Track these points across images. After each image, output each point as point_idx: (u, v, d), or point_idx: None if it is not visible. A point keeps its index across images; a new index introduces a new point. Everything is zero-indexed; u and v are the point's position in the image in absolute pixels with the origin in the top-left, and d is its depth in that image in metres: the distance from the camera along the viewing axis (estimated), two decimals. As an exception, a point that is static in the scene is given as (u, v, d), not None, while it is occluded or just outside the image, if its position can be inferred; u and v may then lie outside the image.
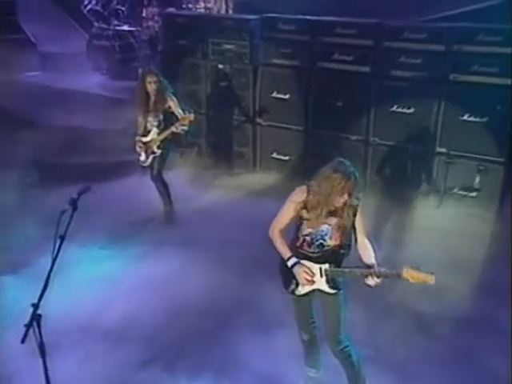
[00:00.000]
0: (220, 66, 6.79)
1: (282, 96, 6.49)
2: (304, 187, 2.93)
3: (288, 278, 3.16)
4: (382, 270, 2.82)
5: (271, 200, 5.63)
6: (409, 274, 2.75)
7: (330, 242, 2.99)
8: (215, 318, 3.91)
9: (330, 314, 3.13)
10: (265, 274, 4.13)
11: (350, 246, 3.03)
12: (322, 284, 3.05)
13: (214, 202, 5.88)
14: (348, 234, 2.97)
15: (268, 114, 6.66)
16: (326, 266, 3.04)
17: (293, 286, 3.14)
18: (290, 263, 3.06)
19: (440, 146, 5.73)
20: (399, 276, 2.77)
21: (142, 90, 5.49)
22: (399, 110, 5.84)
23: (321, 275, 3.00)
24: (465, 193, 5.63)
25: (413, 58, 5.69)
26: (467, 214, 5.33)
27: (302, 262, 3.05)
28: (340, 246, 2.98)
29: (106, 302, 3.96)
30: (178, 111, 5.52)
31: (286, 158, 6.65)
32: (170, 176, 5.76)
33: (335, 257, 3.01)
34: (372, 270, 2.84)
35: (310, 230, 3.00)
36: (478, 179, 5.46)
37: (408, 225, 5.42)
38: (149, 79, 5.44)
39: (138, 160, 5.67)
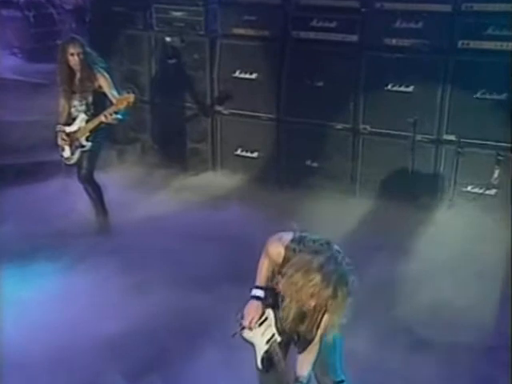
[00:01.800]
0: (167, 39, 6.55)
1: (247, 76, 6.32)
2: (280, 243, 2.80)
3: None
4: None
5: (235, 207, 5.78)
6: None
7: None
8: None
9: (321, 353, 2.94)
10: (224, 289, 4.18)
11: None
12: (259, 348, 2.96)
13: (161, 210, 5.67)
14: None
15: (230, 100, 6.49)
16: (278, 338, 2.91)
17: (238, 318, 3.00)
18: (253, 292, 2.95)
19: (448, 132, 5.59)
20: None
21: (64, 65, 5.18)
22: (395, 88, 5.69)
23: (267, 342, 2.92)
24: (480, 190, 5.48)
25: (411, 21, 5.56)
26: (484, 217, 5.25)
27: (268, 310, 2.94)
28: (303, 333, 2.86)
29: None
30: (111, 92, 5.16)
31: (254, 154, 6.51)
32: (104, 179, 5.58)
33: (295, 339, 2.90)
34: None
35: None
36: (496, 173, 5.32)
37: (411, 232, 5.28)
38: (71, 50, 5.10)
39: (61, 156, 5.40)
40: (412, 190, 5.72)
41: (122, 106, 5.02)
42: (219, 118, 6.62)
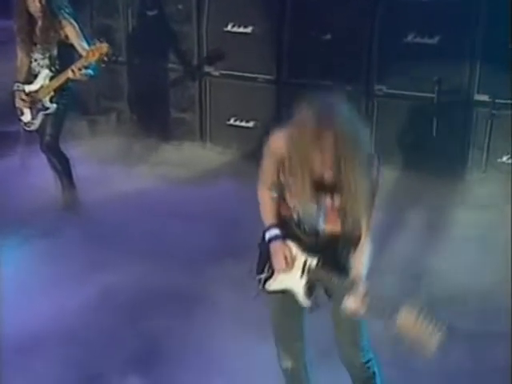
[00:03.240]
0: None
1: (241, 30, 6.22)
2: (281, 134, 2.83)
3: (262, 261, 3.04)
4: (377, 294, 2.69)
5: (226, 184, 5.76)
6: (404, 320, 2.58)
7: (326, 227, 2.90)
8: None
9: (342, 323, 2.98)
10: (215, 272, 4.34)
11: (356, 237, 2.88)
12: (297, 284, 2.95)
13: (139, 186, 5.68)
14: (355, 219, 2.84)
15: (221, 59, 6.40)
16: (313, 261, 2.90)
17: (264, 275, 3.01)
18: (269, 234, 2.95)
19: (479, 91, 5.52)
20: (391, 319, 2.60)
21: (23, 12, 5.05)
22: (417, 40, 5.58)
23: (301, 273, 2.92)
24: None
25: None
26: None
27: (287, 239, 2.95)
28: (341, 235, 2.88)
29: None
30: (80, 43, 5.03)
31: (250, 124, 6.45)
32: (73, 152, 5.55)
33: (331, 251, 2.91)
34: (363, 285, 2.73)
35: (294, 203, 2.90)
36: (539, 140, 5.31)
37: (436, 209, 5.24)
38: (31, -8, 5.00)
39: (20, 121, 5.33)
40: (437, 161, 5.62)
41: (93, 59, 4.86)
42: (208, 80, 6.55)
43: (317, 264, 2.88)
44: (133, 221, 5.01)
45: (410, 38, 5.57)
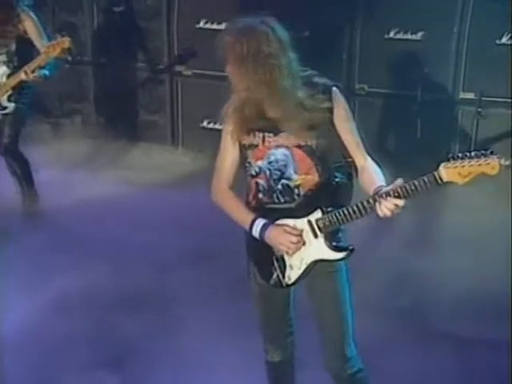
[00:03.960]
0: None
1: (214, 26, 6.16)
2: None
3: (266, 262, 2.96)
4: (412, 183, 2.61)
5: (199, 189, 5.82)
6: (452, 169, 2.54)
7: (299, 179, 2.86)
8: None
9: (328, 309, 2.95)
10: (186, 278, 4.40)
11: (342, 180, 2.88)
12: (319, 248, 2.86)
13: (105, 193, 5.68)
14: (330, 159, 2.84)
15: (194, 58, 6.37)
16: (317, 214, 2.83)
17: (276, 274, 2.94)
18: (255, 230, 2.87)
19: (465, 89, 5.55)
20: (437, 180, 2.58)
21: None
22: (399, 36, 5.64)
23: (314, 233, 2.84)
24: (508, 162, 5.34)
25: None
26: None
27: (278, 222, 2.89)
28: (321, 185, 2.85)
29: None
30: (39, 40, 4.95)
31: None
32: (35, 157, 5.49)
33: (324, 199, 2.86)
34: (389, 189, 2.65)
35: (257, 164, 2.87)
36: (530, 138, 5.33)
37: (422, 217, 5.23)
38: (-17, -19, 4.96)
39: None
40: (421, 163, 5.37)
41: (54, 54, 4.76)
42: (180, 80, 6.55)
43: (322, 213, 2.82)
44: (98, 227, 5.00)
45: (392, 33, 5.60)
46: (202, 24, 6.21)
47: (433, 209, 5.36)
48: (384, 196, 2.61)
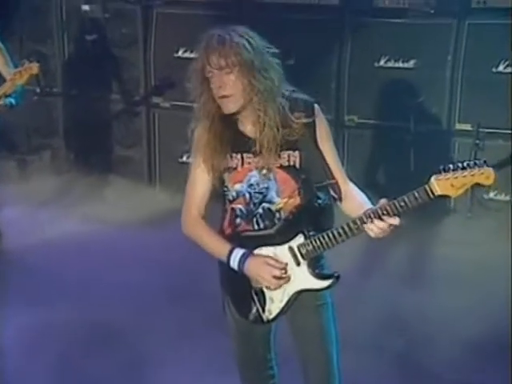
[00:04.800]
0: (85, 8, 6.52)
1: (194, 55, 5.82)
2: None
3: (243, 295, 2.93)
4: (402, 199, 2.63)
5: (177, 229, 5.61)
6: (444, 181, 2.55)
7: (281, 202, 2.85)
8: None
9: (312, 346, 2.93)
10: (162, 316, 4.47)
11: (325, 201, 2.86)
12: (302, 276, 2.84)
13: (77, 232, 5.71)
14: (313, 180, 2.84)
15: (172, 89, 6.36)
16: (299, 239, 2.81)
17: (256, 308, 2.90)
18: (233, 260, 2.83)
19: (461, 120, 5.58)
20: (429, 194, 2.59)
21: None
22: (390, 64, 5.71)
23: (296, 261, 2.82)
24: (507, 197, 5.45)
25: (409, -28, 5.74)
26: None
27: (256, 251, 2.85)
28: (303, 208, 2.84)
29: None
30: (4, 67, 4.95)
31: None
32: None
33: (306, 222, 2.84)
34: (376, 208, 2.65)
35: (236, 188, 2.87)
36: (529, 173, 5.38)
37: (415, 254, 5.31)
38: None
39: None
40: None
41: (21, 81, 4.69)
42: (157, 113, 6.59)
43: (304, 238, 2.80)
44: (66, 266, 5.02)
45: (382, 61, 5.66)
46: (180, 53, 6.25)
47: (428, 243, 5.41)
48: (372, 215, 2.60)
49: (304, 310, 2.86)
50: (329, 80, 5.84)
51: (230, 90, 2.67)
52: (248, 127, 2.77)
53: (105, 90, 6.66)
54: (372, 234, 2.64)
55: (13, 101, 4.77)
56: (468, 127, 5.48)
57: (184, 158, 6.34)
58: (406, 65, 5.59)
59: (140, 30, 6.43)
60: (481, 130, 5.35)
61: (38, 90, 5.19)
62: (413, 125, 5.52)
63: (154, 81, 6.47)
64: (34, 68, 4.67)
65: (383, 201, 2.63)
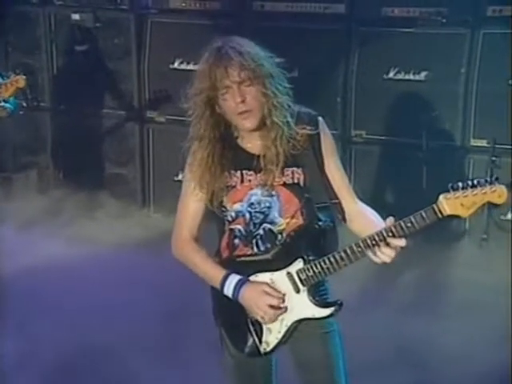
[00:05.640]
0: (75, 17, 6.48)
1: (191, 67, 6.15)
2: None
3: (239, 326, 2.89)
4: (409, 219, 2.60)
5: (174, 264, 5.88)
6: (454, 200, 2.52)
7: (283, 223, 2.84)
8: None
9: (318, 378, 2.89)
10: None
11: (326, 223, 2.84)
12: (302, 304, 2.81)
13: (66, 254, 5.69)
14: (316, 199, 2.83)
15: (168, 102, 6.38)
16: (298, 264, 2.78)
17: (252, 339, 2.86)
18: (228, 288, 2.81)
19: (476, 136, 5.57)
20: (437, 214, 2.56)
21: None
22: (399, 76, 5.71)
23: (295, 287, 2.79)
24: None
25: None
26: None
27: (252, 278, 2.84)
28: (304, 230, 2.82)
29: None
30: None
31: None
32: None
33: (306, 246, 2.81)
34: (381, 230, 2.62)
35: (235, 208, 2.85)
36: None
37: (429, 279, 5.32)
38: None
39: None
40: None
41: (6, 95, 4.72)
42: (152, 128, 6.59)
43: (304, 263, 2.76)
44: (54, 292, 5.01)
45: (392, 73, 5.68)
46: (176, 64, 6.27)
47: (440, 265, 5.42)
48: (377, 237, 2.57)
49: (308, 339, 2.82)
50: (335, 93, 5.86)
51: (251, 104, 2.66)
52: (250, 143, 2.76)
53: (96, 104, 6.66)
54: (377, 260, 2.61)
55: (10, 106, 4.76)
56: (484, 143, 5.48)
57: (180, 177, 6.26)
58: (416, 77, 5.60)
59: (133, 40, 6.43)
60: (497, 146, 5.35)
61: (24, 105, 5.14)
62: (425, 141, 5.52)
63: (149, 94, 6.47)
64: (21, 81, 4.68)
65: (390, 220, 2.60)
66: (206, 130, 2.76)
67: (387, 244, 2.59)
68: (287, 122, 2.72)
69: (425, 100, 5.58)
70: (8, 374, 4.30)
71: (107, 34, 6.51)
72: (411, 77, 5.62)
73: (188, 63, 6.19)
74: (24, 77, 4.72)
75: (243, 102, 2.63)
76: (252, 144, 2.76)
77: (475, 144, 5.55)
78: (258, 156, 2.74)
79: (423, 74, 5.58)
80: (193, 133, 2.82)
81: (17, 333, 4.64)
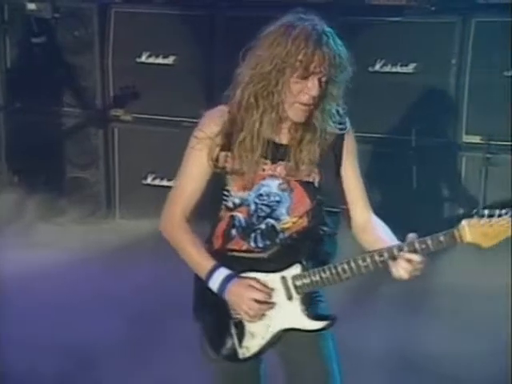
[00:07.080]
0: (31, 7, 6.53)
1: (160, 61, 6.35)
2: (221, 107, 2.87)
3: (219, 325, 2.90)
4: (424, 240, 2.61)
5: (142, 263, 5.74)
6: (477, 228, 2.53)
7: (289, 222, 2.85)
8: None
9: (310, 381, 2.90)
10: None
11: (331, 229, 2.87)
12: (292, 313, 2.82)
13: (20, 269, 5.58)
14: (325, 203, 2.85)
15: (134, 100, 6.49)
16: (295, 269, 2.78)
17: (231, 342, 2.87)
18: (215, 281, 2.80)
19: (469, 131, 5.62)
20: (456, 240, 2.57)
21: None
22: (387, 69, 5.76)
23: (288, 294, 2.80)
24: None
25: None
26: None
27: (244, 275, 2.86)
28: (306, 233, 2.85)
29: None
30: None
31: (173, 183, 6.25)
32: None
33: (306, 251, 2.81)
34: (392, 247, 2.67)
35: (241, 195, 2.84)
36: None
37: (421, 283, 5.03)
38: None
39: None
40: (418, 221, 5.41)
41: None
42: (117, 127, 6.65)
43: (301, 269, 2.75)
44: (18, 301, 4.99)
45: (377, 66, 5.73)
46: (143, 58, 6.33)
47: (437, 272, 5.37)
48: (386, 254, 2.60)
49: (298, 345, 2.83)
50: (317, 87, 5.94)
51: (316, 100, 2.66)
52: (281, 131, 2.73)
53: (55, 102, 6.70)
54: (396, 275, 2.62)
55: None
56: (477, 139, 5.52)
57: (149, 180, 6.44)
58: (404, 69, 5.65)
59: (96, 32, 6.48)
60: (492, 142, 5.41)
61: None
62: (414, 138, 5.57)
63: (113, 90, 6.52)
64: None
65: (411, 236, 2.62)
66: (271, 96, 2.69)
67: (404, 259, 2.62)
68: (329, 124, 2.74)
69: (413, 94, 5.62)
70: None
71: (67, 25, 6.52)
72: (398, 69, 5.66)
73: (157, 56, 6.28)
74: None
75: (314, 93, 2.62)
76: (281, 131, 2.75)
77: (468, 140, 5.60)
78: (280, 145, 2.74)
79: (411, 65, 5.62)
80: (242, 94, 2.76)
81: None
